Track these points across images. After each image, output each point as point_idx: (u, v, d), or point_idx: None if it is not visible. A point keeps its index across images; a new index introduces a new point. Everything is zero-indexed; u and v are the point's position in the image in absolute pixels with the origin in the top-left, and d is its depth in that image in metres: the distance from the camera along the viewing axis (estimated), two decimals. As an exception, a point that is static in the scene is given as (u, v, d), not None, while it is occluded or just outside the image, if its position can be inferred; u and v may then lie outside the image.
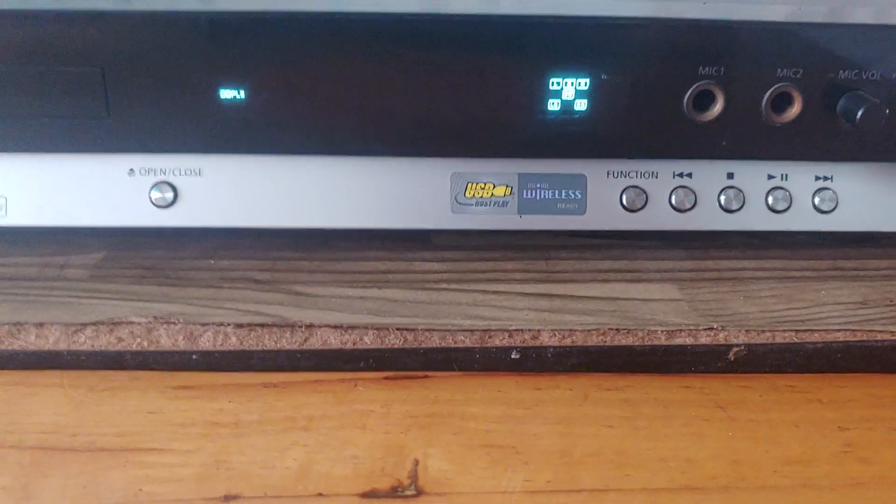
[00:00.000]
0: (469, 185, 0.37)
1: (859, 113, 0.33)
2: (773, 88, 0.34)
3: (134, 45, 0.32)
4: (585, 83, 0.34)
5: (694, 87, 0.34)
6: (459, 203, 0.37)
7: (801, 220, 0.37)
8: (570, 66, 0.34)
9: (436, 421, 0.28)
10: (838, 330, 0.32)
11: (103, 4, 0.33)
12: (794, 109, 0.35)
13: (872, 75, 0.34)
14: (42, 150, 0.35)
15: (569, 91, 0.34)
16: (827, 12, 0.37)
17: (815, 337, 0.32)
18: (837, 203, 0.37)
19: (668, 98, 0.34)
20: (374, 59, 0.33)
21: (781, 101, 0.35)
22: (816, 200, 0.37)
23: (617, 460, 0.27)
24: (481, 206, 0.37)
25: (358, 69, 0.33)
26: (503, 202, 0.37)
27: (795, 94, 0.34)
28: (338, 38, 0.33)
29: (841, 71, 0.34)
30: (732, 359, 0.32)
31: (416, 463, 0.26)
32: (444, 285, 0.35)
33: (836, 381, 0.31)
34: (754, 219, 0.37)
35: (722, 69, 0.34)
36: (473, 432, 0.28)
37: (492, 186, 0.37)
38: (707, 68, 0.34)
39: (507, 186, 0.37)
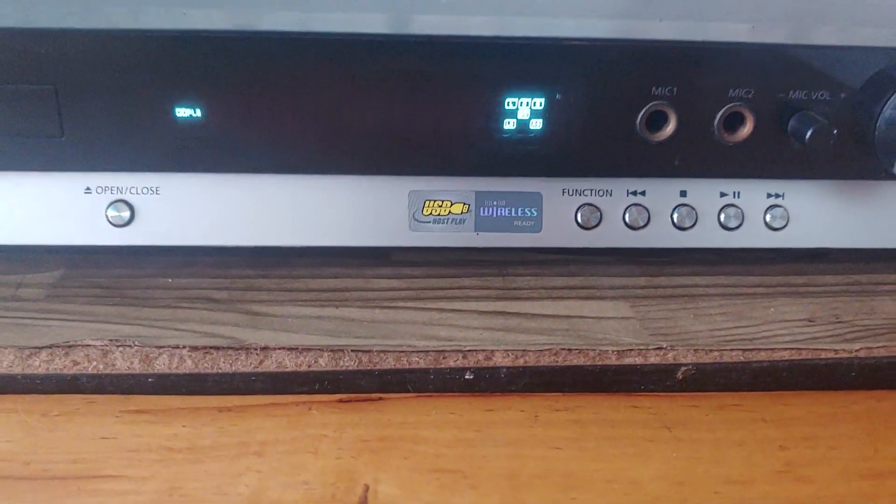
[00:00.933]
0: (427, 202, 0.37)
1: (808, 133, 0.34)
2: (725, 108, 0.35)
3: (87, 63, 0.32)
4: (540, 103, 0.35)
5: (647, 107, 0.34)
6: (417, 220, 0.37)
7: (753, 236, 0.38)
8: (525, 86, 0.34)
9: (387, 445, 0.29)
10: (784, 349, 0.33)
11: (56, 22, 0.33)
12: (746, 129, 0.35)
13: (822, 95, 0.35)
14: (-4, 169, 0.35)
15: (524, 111, 0.35)
16: (779, 33, 0.37)
17: (762, 356, 0.33)
18: (789, 220, 0.38)
19: (622, 118, 0.35)
20: (330, 79, 0.33)
21: (733, 121, 0.35)
22: (768, 217, 0.38)
23: (563, 483, 0.27)
24: (439, 223, 0.37)
25: (314, 89, 0.33)
26: (460, 220, 0.37)
27: (747, 114, 0.35)
28: (293, 58, 0.33)
29: (791, 91, 0.35)
30: (681, 378, 0.32)
31: (367, 488, 0.27)
32: (402, 303, 0.36)
33: (781, 399, 0.32)
34: (707, 236, 0.38)
35: (674, 90, 0.34)
36: (424, 456, 0.28)
37: (449, 204, 0.37)
38: (660, 89, 0.34)
39: (464, 204, 0.37)
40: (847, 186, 0.38)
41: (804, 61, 0.35)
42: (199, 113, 0.34)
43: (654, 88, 0.34)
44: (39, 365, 0.31)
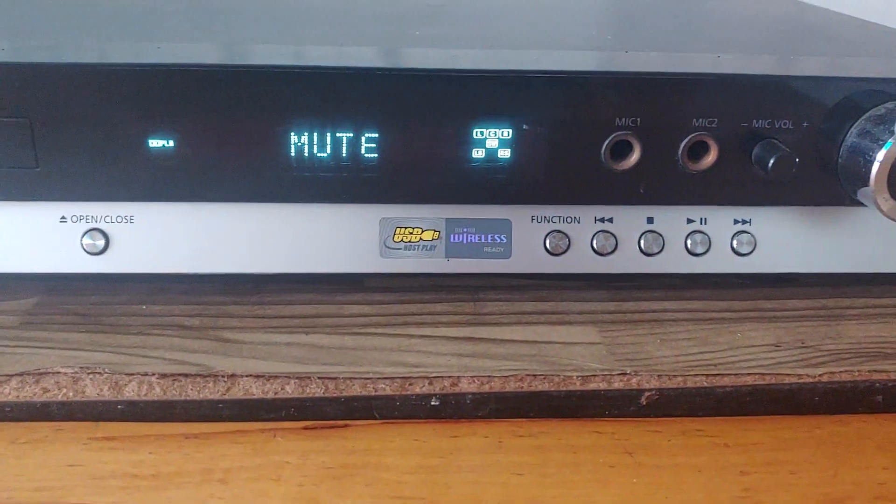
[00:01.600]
0: (398, 229, 0.37)
1: (771, 161, 0.35)
2: (688, 137, 0.35)
3: (62, 96, 0.33)
4: (508, 133, 0.35)
5: (611, 137, 0.35)
6: (388, 247, 0.37)
7: (720, 262, 0.39)
8: (492, 117, 0.35)
9: (350, 472, 0.29)
10: (748, 374, 0.33)
11: (29, 56, 0.34)
12: (710, 157, 0.36)
13: (785, 124, 0.36)
14: (-28, 199, 0.35)
15: (492, 141, 0.35)
16: (742, 63, 0.38)
17: (726, 381, 0.33)
18: (756, 245, 0.39)
19: (587, 147, 0.35)
20: (301, 110, 0.34)
21: (698, 150, 0.36)
22: (735, 243, 0.38)
23: (523, 509, 0.28)
24: (410, 249, 0.38)
25: (285, 119, 0.34)
26: (431, 246, 0.38)
27: (711, 143, 0.36)
28: (263, 91, 0.34)
29: (755, 120, 0.35)
30: (644, 403, 0.33)
31: (327, 515, 0.27)
32: (371, 329, 0.36)
33: (743, 424, 0.33)
34: (674, 262, 0.38)
35: (638, 120, 0.35)
36: (386, 483, 0.29)
37: (420, 231, 0.37)
38: (624, 119, 0.35)
39: (434, 231, 0.38)
40: (813, 212, 0.39)
41: (767, 91, 0.35)
42: (171, 143, 0.34)
43: (618, 119, 0.35)
44: (10, 392, 0.31)
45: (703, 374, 0.33)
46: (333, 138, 0.35)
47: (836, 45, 0.46)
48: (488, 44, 0.40)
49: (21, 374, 0.32)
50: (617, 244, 0.38)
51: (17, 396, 0.31)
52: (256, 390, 0.32)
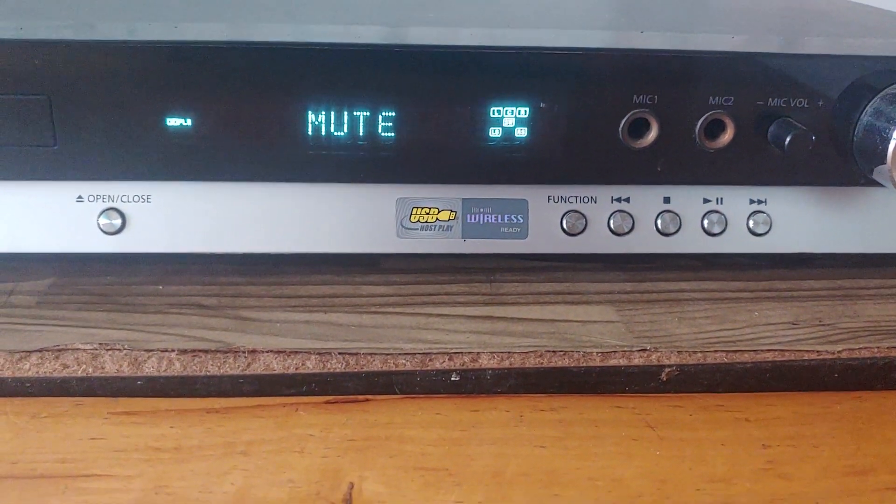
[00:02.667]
0: (414, 209, 0.37)
1: (787, 139, 0.35)
2: (705, 116, 0.35)
3: (80, 74, 0.33)
4: (525, 111, 0.35)
5: (629, 115, 0.35)
6: (405, 227, 0.37)
7: (736, 242, 0.39)
8: (509, 95, 0.35)
9: (373, 444, 0.29)
10: (767, 350, 0.33)
11: (49, 34, 0.34)
12: (727, 136, 0.36)
13: (801, 103, 0.36)
14: (-10, 178, 0.35)
15: (509, 119, 0.35)
16: (756, 43, 0.38)
17: (745, 357, 0.33)
18: (771, 226, 0.39)
19: (605, 126, 0.35)
20: (318, 89, 0.34)
21: (714, 128, 0.36)
22: (751, 223, 0.38)
23: (547, 480, 0.28)
24: (426, 230, 0.37)
25: (302, 98, 0.34)
26: (447, 226, 0.38)
27: (727, 121, 0.36)
28: (281, 69, 0.34)
29: (770, 99, 0.36)
30: (665, 379, 0.33)
31: (352, 486, 0.27)
32: (390, 309, 0.36)
33: (764, 399, 0.32)
34: (690, 242, 0.38)
35: (656, 98, 0.35)
36: (409, 455, 0.29)
37: (436, 211, 0.37)
38: (641, 97, 0.35)
39: (451, 211, 0.38)
40: (828, 192, 0.39)
41: (783, 70, 0.35)
42: (189, 122, 0.34)
43: (635, 97, 0.35)
44: (30, 368, 0.31)
45: (722, 351, 0.33)
46: (350, 117, 0.35)
47: (848, 28, 0.46)
48: (505, 23, 0.41)
49: (40, 351, 0.32)
50: (634, 224, 0.38)
51: (38, 372, 0.31)
52: (277, 366, 0.32)
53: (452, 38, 0.36)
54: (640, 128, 0.36)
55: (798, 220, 0.39)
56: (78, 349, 0.32)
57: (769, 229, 0.39)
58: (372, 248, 0.37)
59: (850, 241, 0.39)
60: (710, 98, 0.35)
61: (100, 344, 0.32)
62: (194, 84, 0.34)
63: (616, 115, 0.35)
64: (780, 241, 0.39)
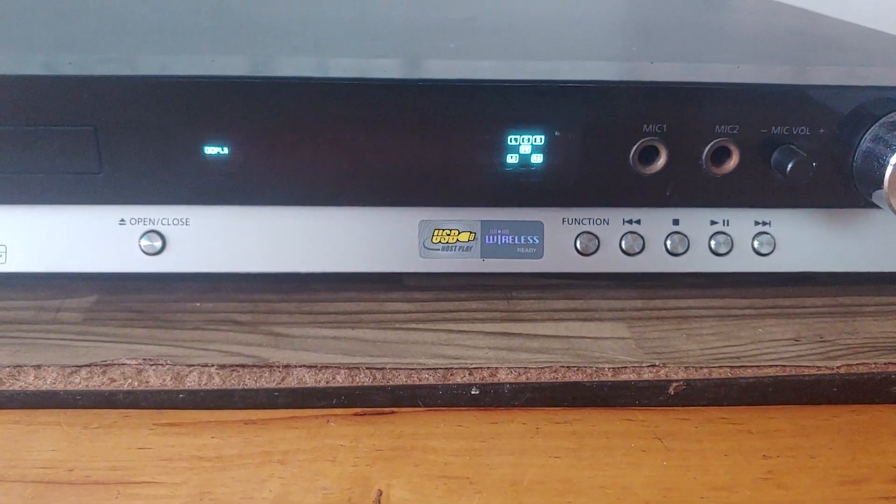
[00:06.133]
0: (436, 231, 0.40)
1: (789, 166, 0.37)
2: (712, 143, 0.37)
3: (124, 106, 0.35)
4: (541, 139, 0.37)
5: (639, 143, 0.37)
6: (427, 248, 0.40)
7: (742, 262, 0.41)
8: (526, 124, 0.37)
9: (399, 454, 0.31)
10: (770, 366, 0.35)
11: (95, 69, 0.36)
12: (732, 162, 0.38)
13: (802, 130, 0.38)
14: (39, 202, 0.38)
15: (526, 147, 0.37)
16: (761, 73, 0.40)
17: (749, 372, 0.35)
18: (775, 246, 0.41)
19: (616, 153, 0.37)
20: (347, 120, 0.36)
21: (720, 155, 0.38)
22: (756, 244, 0.40)
23: (561, 488, 0.30)
24: (447, 250, 0.40)
25: (332, 128, 0.36)
26: (467, 247, 0.40)
27: (733, 148, 0.38)
28: (312, 101, 0.36)
29: (774, 127, 0.37)
30: (672, 393, 0.35)
31: (380, 493, 0.29)
32: (413, 325, 0.38)
33: (766, 412, 0.34)
34: (698, 261, 0.40)
35: (664, 126, 0.37)
36: (433, 464, 0.31)
37: (457, 232, 0.40)
38: (651, 126, 0.37)
39: (470, 233, 0.40)
40: (830, 214, 0.41)
41: (786, 99, 0.37)
42: (226, 150, 0.37)
43: (645, 126, 0.37)
44: (80, 382, 0.34)
45: (727, 367, 0.35)
46: (378, 146, 0.37)
47: (850, 55, 0.48)
48: (520, 55, 0.43)
49: (89, 366, 0.34)
50: (644, 245, 0.40)
51: (87, 386, 0.34)
52: (309, 379, 0.34)
53: (473, 71, 0.38)
54: (650, 155, 0.38)
55: (801, 240, 0.41)
56: (124, 364, 0.34)
57: (773, 249, 0.41)
58: (396, 267, 0.40)
59: (851, 260, 0.41)
60: (717, 126, 0.37)
61: (144, 359, 0.35)
62: (230, 114, 0.36)
63: (627, 143, 0.37)
64: (783, 261, 0.41)
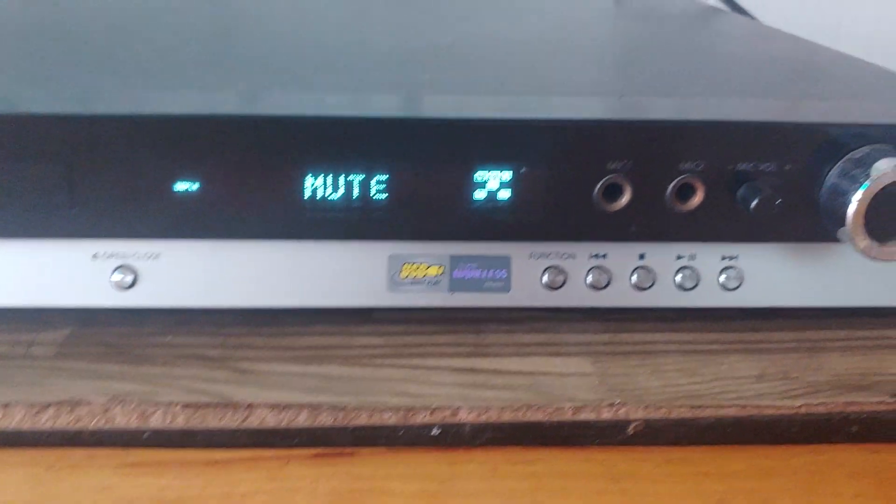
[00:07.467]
0: (405, 265, 0.40)
1: (753, 203, 0.37)
2: (676, 180, 0.38)
3: (97, 144, 0.36)
4: (508, 175, 0.38)
5: (603, 180, 0.37)
6: (395, 282, 0.40)
7: (709, 296, 0.41)
8: (493, 160, 0.37)
9: (357, 497, 0.32)
10: (730, 405, 0.36)
11: (67, 107, 0.37)
12: (697, 198, 0.38)
13: (768, 167, 0.38)
14: (12, 236, 0.38)
15: (493, 182, 0.38)
16: (725, 109, 0.40)
17: (709, 412, 0.35)
18: (743, 280, 0.41)
19: (581, 189, 0.38)
20: (316, 156, 0.37)
21: (685, 191, 0.38)
22: (722, 278, 0.41)
23: (515, 534, 0.30)
24: (416, 284, 0.40)
25: (301, 165, 0.37)
26: (435, 281, 0.40)
27: (697, 185, 0.38)
28: (280, 138, 0.36)
29: (739, 163, 0.38)
30: (631, 433, 0.35)
31: (335, 538, 0.30)
32: (380, 360, 0.39)
33: (725, 453, 0.35)
34: (664, 296, 0.41)
35: (628, 163, 0.37)
36: (390, 507, 0.31)
37: (425, 267, 0.40)
38: (614, 163, 0.37)
39: (439, 266, 0.40)
40: (797, 249, 0.41)
41: (751, 136, 0.37)
42: (195, 187, 0.37)
43: (609, 163, 0.37)
44: (46, 421, 0.34)
45: (686, 406, 0.36)
46: (346, 181, 0.37)
47: (824, 87, 0.48)
48: (492, 89, 0.43)
49: (57, 404, 0.35)
50: (610, 279, 0.40)
51: (53, 425, 0.34)
52: (271, 419, 0.34)
53: (443, 107, 0.38)
54: (613, 191, 0.38)
55: (769, 275, 0.41)
56: (91, 403, 0.35)
57: (740, 284, 0.41)
58: (365, 301, 0.40)
59: (818, 294, 0.41)
60: (681, 163, 0.38)
61: (112, 397, 0.35)
62: (201, 152, 0.36)
63: (592, 180, 0.38)
64: (750, 296, 0.41)
